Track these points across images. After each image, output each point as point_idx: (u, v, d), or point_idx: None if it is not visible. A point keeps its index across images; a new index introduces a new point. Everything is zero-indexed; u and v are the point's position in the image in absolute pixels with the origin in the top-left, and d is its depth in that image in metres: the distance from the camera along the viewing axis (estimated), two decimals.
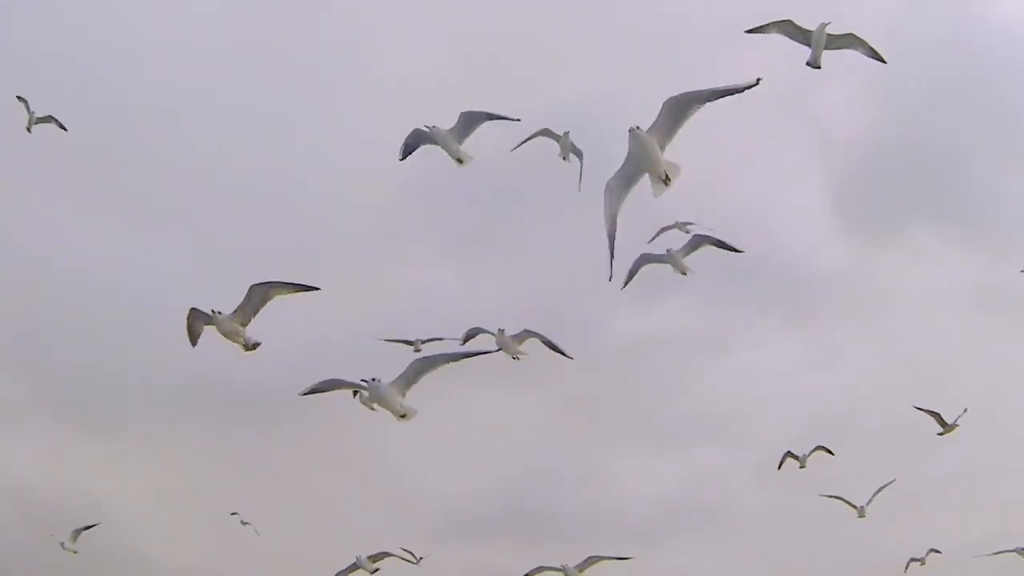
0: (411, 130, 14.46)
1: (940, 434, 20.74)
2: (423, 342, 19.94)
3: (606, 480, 29.76)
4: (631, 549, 22.74)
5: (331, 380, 13.15)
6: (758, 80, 9.15)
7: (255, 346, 13.31)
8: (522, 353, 16.29)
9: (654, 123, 9.69)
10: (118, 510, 29.73)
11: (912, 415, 20.90)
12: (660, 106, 9.56)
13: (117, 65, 27.70)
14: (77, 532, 22.38)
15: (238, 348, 13.35)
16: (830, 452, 21.71)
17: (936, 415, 20.53)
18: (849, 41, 15.82)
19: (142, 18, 28.39)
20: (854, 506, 21.87)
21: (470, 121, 14.22)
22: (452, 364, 13.09)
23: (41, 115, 19.90)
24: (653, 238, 17.64)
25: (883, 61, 15.87)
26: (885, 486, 21.71)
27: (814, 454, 21.66)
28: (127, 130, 27.07)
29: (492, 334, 16.53)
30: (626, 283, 15.37)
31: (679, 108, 9.53)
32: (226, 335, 12.99)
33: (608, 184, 10.16)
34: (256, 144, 27.96)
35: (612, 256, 10.36)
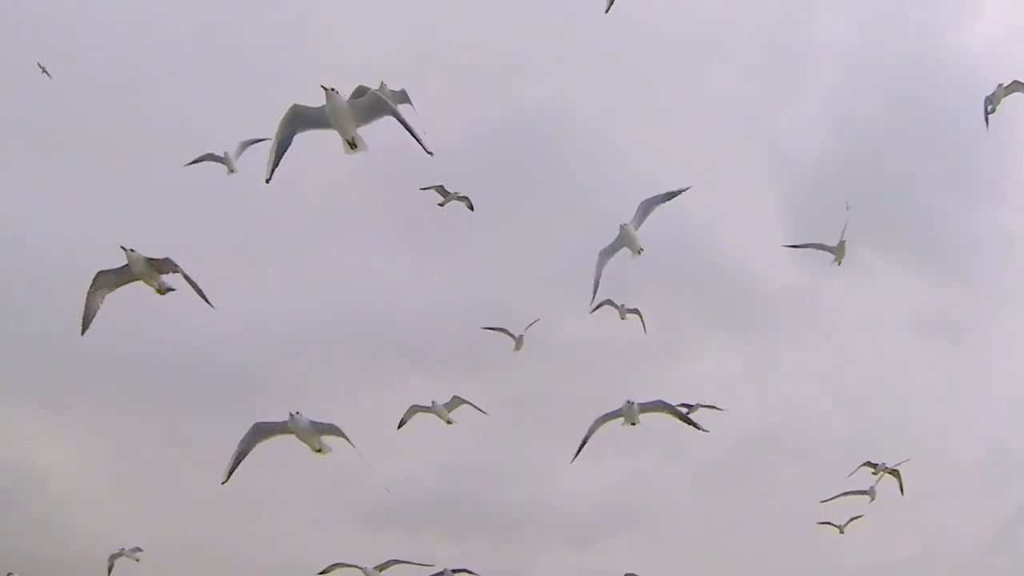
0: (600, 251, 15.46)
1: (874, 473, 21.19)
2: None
3: (544, 478, 29.91)
4: (566, 547, 23.10)
5: (253, 431, 13.31)
6: (688, 187, 14.81)
7: (169, 290, 12.97)
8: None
9: (633, 218, 14.69)
10: (56, 481, 29.49)
11: (843, 432, 21.38)
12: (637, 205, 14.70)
13: (80, 37, 27.43)
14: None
15: (152, 291, 13.01)
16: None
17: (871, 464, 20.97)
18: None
19: None
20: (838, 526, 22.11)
21: (647, 208, 15.43)
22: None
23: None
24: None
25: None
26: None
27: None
28: (84, 101, 26.77)
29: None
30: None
31: (647, 207, 14.71)
32: (140, 277, 12.67)
33: (601, 252, 15.00)
34: (212, 122, 27.76)
35: (595, 294, 15.20)
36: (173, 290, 12.96)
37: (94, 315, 12.80)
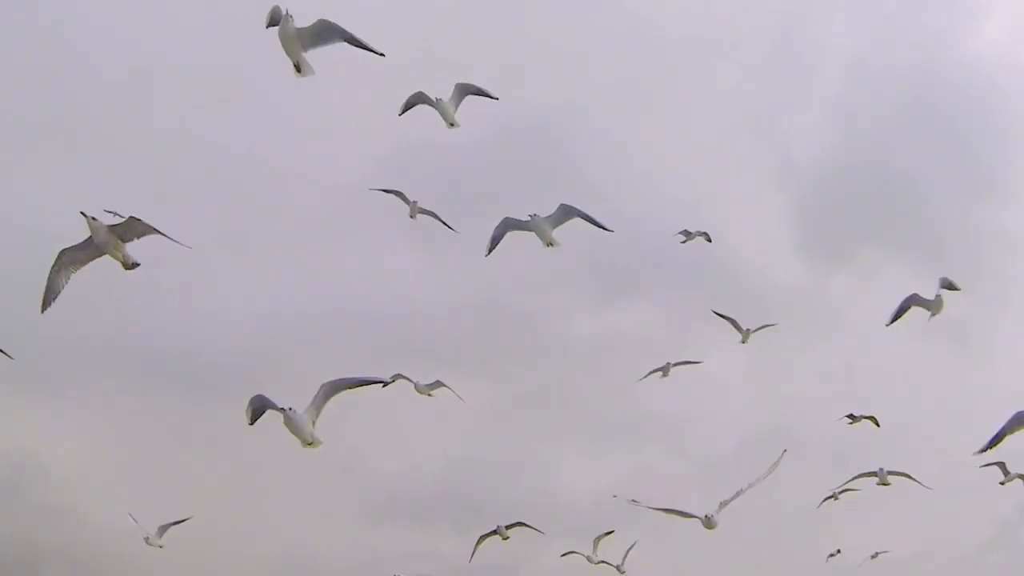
0: (415, 91, 15.47)
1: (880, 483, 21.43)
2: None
3: (549, 473, 30.09)
4: (569, 543, 23.17)
5: (259, 397, 13.01)
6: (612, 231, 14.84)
7: (135, 265, 12.77)
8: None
9: (551, 215, 15.04)
10: (58, 468, 29.61)
11: (846, 431, 21.54)
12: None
13: (84, 32, 27.53)
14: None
15: (117, 265, 12.75)
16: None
17: (871, 474, 21.24)
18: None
19: None
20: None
21: (463, 92, 15.53)
22: (355, 390, 13.34)
23: None
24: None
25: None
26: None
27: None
28: (92, 99, 26.89)
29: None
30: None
31: (567, 212, 15.05)
32: (102, 247, 12.42)
33: (507, 220, 15.48)
34: (219, 120, 27.88)
35: (490, 248, 15.63)
36: (139, 264, 12.76)
37: (57, 294, 12.68)
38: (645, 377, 22.82)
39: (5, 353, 15.66)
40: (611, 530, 22.40)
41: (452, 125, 15.60)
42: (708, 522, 16.52)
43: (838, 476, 22.80)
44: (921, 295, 17.83)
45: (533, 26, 28.31)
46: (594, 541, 22.64)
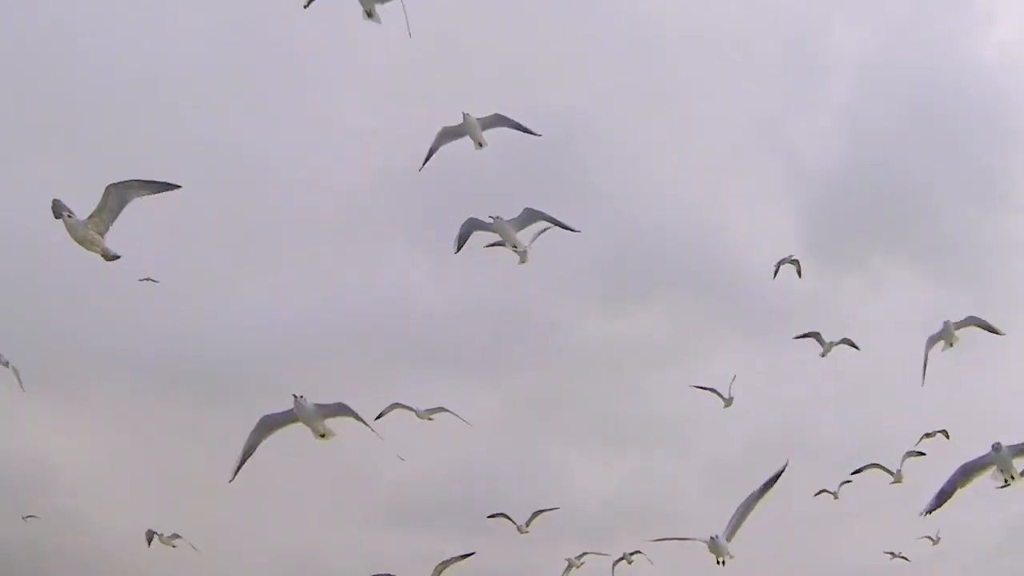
0: (466, 219, 15.39)
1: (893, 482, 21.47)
2: None
3: (558, 477, 30.14)
4: (578, 546, 23.21)
5: (260, 424, 13.12)
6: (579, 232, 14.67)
7: (115, 257, 12.59)
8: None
9: (512, 219, 14.96)
10: (71, 475, 29.73)
11: (855, 434, 21.54)
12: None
13: (89, 33, 27.68)
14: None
15: (97, 257, 12.55)
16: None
17: (879, 466, 21.26)
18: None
19: None
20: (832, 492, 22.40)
21: (531, 217, 15.57)
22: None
23: None
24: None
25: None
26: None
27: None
28: (99, 101, 27.01)
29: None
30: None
31: (531, 216, 14.84)
32: (80, 242, 12.29)
33: (470, 221, 15.33)
34: (230, 122, 28.00)
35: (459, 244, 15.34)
36: (119, 257, 12.59)
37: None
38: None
39: None
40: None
41: (480, 146, 15.72)
42: (714, 545, 16.15)
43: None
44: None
45: (543, 30, 28.44)
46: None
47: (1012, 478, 14.34)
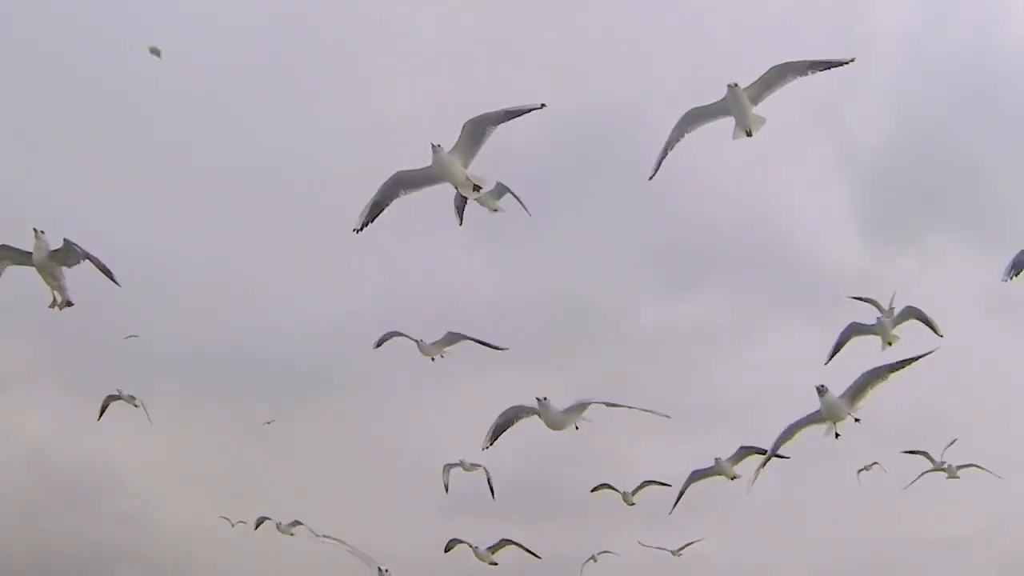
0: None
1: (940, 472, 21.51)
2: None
3: (620, 462, 30.13)
4: (642, 531, 23.32)
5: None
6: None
7: (67, 304, 12.72)
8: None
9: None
10: (132, 475, 30.25)
11: (914, 409, 21.55)
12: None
13: (146, 37, 28.07)
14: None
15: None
16: None
17: (925, 454, 21.32)
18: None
19: None
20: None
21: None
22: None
23: None
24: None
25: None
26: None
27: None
28: (156, 106, 27.43)
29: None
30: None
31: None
32: (40, 270, 12.40)
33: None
34: (282, 121, 28.32)
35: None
36: (72, 305, 12.75)
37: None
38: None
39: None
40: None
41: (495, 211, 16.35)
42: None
43: (901, 457, 22.90)
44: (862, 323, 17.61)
45: (599, 21, 28.53)
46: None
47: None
